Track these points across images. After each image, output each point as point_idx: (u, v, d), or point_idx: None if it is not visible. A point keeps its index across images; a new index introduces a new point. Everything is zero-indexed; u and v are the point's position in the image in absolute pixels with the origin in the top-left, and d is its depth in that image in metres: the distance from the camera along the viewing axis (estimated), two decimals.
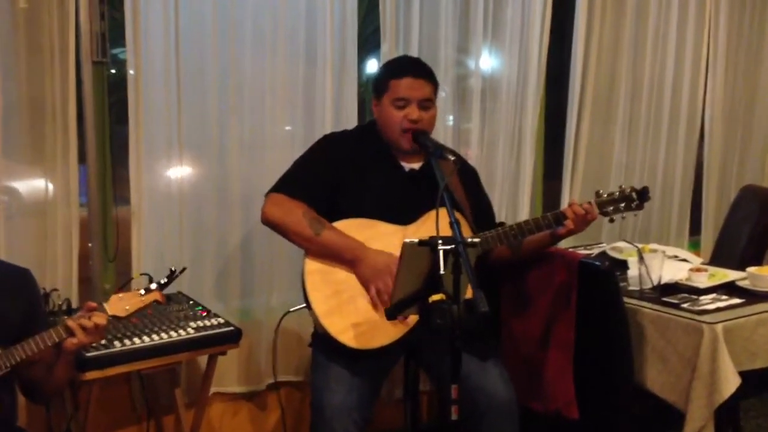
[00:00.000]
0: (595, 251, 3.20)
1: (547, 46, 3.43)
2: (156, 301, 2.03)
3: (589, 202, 2.39)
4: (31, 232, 2.60)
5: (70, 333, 1.89)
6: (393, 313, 2.00)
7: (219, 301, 2.86)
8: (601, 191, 2.42)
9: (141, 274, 2.64)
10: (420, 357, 2.48)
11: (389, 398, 3.14)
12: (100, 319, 1.90)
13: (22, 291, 2.06)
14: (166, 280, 2.05)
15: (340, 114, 3.03)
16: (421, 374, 2.68)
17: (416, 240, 1.89)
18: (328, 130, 2.85)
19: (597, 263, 2.56)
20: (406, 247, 1.91)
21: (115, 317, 1.96)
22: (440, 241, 1.81)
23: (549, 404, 2.60)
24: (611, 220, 2.42)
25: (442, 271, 1.80)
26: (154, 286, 2.03)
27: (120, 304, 1.97)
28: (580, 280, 2.50)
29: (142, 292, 2.01)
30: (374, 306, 2.29)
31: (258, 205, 2.77)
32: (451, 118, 3.33)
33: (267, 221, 2.39)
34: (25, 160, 2.57)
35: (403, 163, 2.47)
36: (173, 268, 2.07)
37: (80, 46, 2.61)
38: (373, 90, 2.49)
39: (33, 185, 2.59)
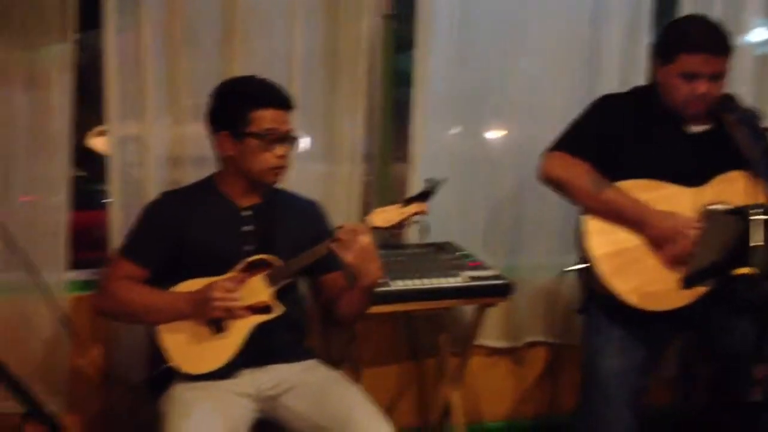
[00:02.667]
0: None
1: None
2: (418, 212, 2.01)
3: None
4: (320, 177, 2.79)
5: (335, 247, 1.98)
6: (690, 282, 1.90)
7: (487, 255, 2.87)
8: None
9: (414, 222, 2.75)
10: (703, 331, 2.35)
11: (659, 376, 3.02)
12: (356, 228, 1.97)
13: (312, 219, 2.27)
14: (424, 191, 2.02)
15: (627, 81, 2.90)
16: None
17: (722, 208, 1.78)
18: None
19: None
20: (710, 215, 1.82)
21: (378, 228, 2.00)
22: (756, 210, 1.69)
23: None
24: None
25: (755, 243, 1.67)
26: (414, 197, 2.02)
27: (382, 216, 2.00)
28: None
29: (403, 204, 2.01)
30: (662, 268, 2.20)
31: (530, 163, 2.77)
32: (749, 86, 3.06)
33: (547, 178, 2.37)
34: (318, 110, 2.74)
35: (688, 126, 2.33)
36: (431, 178, 2.03)
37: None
38: (659, 53, 2.33)
39: (324, 133, 2.77)
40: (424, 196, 2.02)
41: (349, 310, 2.14)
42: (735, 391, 1.95)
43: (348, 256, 1.97)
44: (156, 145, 2.54)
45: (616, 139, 2.33)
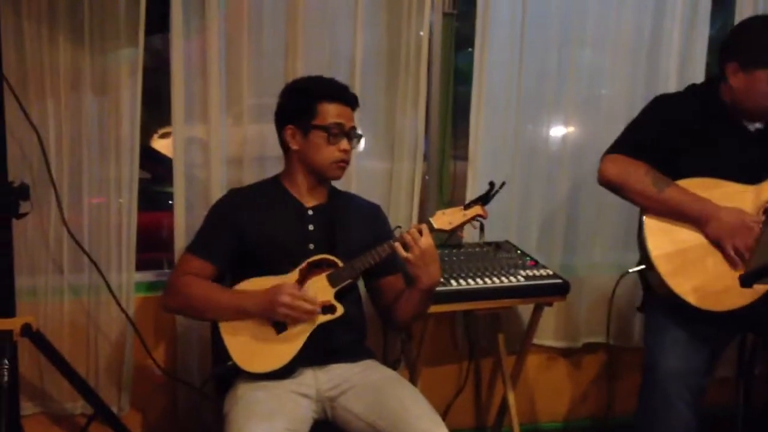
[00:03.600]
0: None
1: None
2: (478, 215, 2.05)
3: None
4: (381, 174, 2.82)
5: (397, 247, 2.01)
6: (750, 280, 1.87)
7: (543, 254, 2.88)
8: None
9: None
10: (764, 331, 2.31)
11: (718, 376, 2.97)
12: (420, 229, 2.00)
13: (373, 222, 2.30)
14: (486, 194, 2.06)
15: (685, 74, 2.89)
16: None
17: None
18: (672, 89, 2.74)
19: None
20: None
21: (440, 230, 2.04)
22: None
23: None
24: None
25: None
26: (474, 200, 2.06)
27: (444, 218, 2.05)
28: None
29: (464, 207, 2.06)
30: (724, 267, 2.18)
31: (588, 161, 2.79)
32: None
33: (606, 181, 2.36)
34: (380, 107, 2.77)
35: (746, 122, 2.30)
36: (493, 182, 2.06)
37: None
38: (738, 57, 2.25)
39: (384, 130, 2.80)
40: (484, 199, 2.06)
41: (408, 312, 2.16)
42: None
43: (410, 257, 2.00)
44: (219, 146, 2.60)
45: (674, 139, 2.31)
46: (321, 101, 2.12)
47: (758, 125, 2.31)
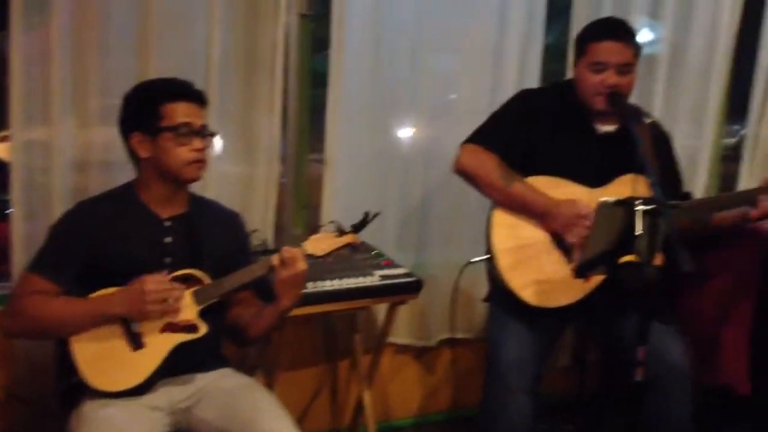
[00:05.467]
0: None
1: (740, 14, 3.28)
2: (350, 244, 2.07)
3: None
4: (237, 178, 2.79)
5: (271, 268, 2.00)
6: (582, 271, 2.03)
7: (398, 254, 2.94)
8: None
9: (330, 222, 2.78)
10: (594, 320, 2.48)
11: (554, 365, 3.16)
12: (297, 254, 1.99)
13: (234, 231, 2.24)
14: (360, 223, 2.09)
15: (522, 80, 3.04)
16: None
17: (612, 199, 1.90)
18: (508, 95, 2.89)
19: None
20: (601, 206, 1.93)
21: (311, 256, 2.03)
22: (638, 202, 1.82)
23: (719, 378, 2.56)
24: None
25: (638, 232, 1.81)
26: (349, 228, 2.08)
27: (317, 245, 2.04)
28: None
29: (337, 234, 2.07)
30: (558, 266, 2.31)
31: (439, 163, 2.90)
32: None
33: (460, 170, 2.45)
34: (236, 110, 2.74)
35: (597, 126, 2.45)
36: (367, 212, 2.10)
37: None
38: (574, 51, 2.48)
39: (240, 134, 2.77)
40: (357, 228, 2.08)
41: (260, 329, 2.12)
42: (623, 374, 2.06)
43: (284, 277, 1.98)
44: (62, 149, 2.48)
45: (530, 133, 2.43)
46: (165, 102, 2.00)
47: (607, 129, 2.45)
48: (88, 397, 1.94)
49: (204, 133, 2.05)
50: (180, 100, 2.02)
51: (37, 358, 2.46)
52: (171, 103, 2.00)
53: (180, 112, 2.01)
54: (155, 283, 1.91)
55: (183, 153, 2.01)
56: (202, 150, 2.03)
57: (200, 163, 2.04)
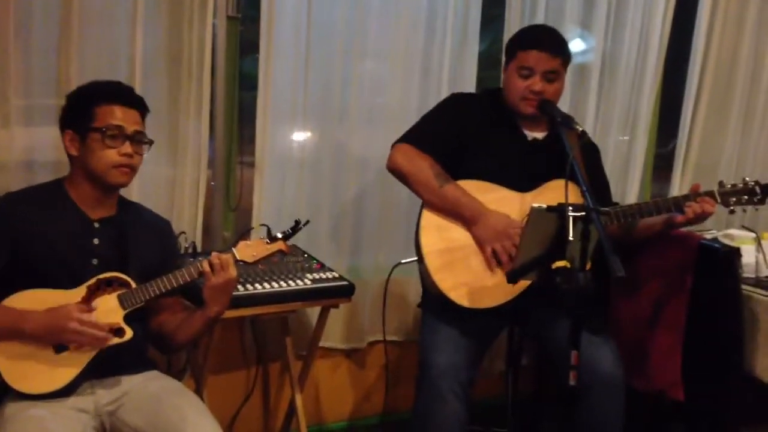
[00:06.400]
0: (707, 237, 3.15)
1: (670, 26, 3.37)
2: (280, 251, 2.09)
3: (712, 191, 2.36)
4: (164, 180, 2.74)
5: (200, 274, 1.99)
6: (515, 276, 2.04)
7: (330, 258, 2.93)
8: (724, 181, 2.39)
9: (261, 225, 2.76)
10: (527, 325, 2.51)
11: (489, 370, 3.20)
12: (228, 260, 1.99)
13: (163, 239, 2.21)
14: (290, 231, 2.10)
15: (456, 85, 3.06)
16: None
17: (544, 205, 1.92)
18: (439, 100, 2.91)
19: (717, 245, 2.54)
20: (533, 212, 1.95)
21: (243, 262, 2.05)
22: (570, 208, 1.84)
23: (654, 384, 2.61)
24: (732, 212, 2.38)
25: (570, 238, 1.82)
26: (279, 235, 2.08)
27: (247, 251, 2.05)
28: (697, 262, 2.48)
29: (268, 240, 2.08)
30: (487, 267, 2.34)
31: (370, 167, 2.93)
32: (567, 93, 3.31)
33: (393, 169, 2.46)
34: (161, 112, 2.68)
35: (526, 132, 2.49)
36: (298, 219, 2.12)
37: (217, 1, 2.71)
38: (504, 55, 2.51)
39: (167, 136, 2.71)
40: (287, 236, 2.08)
41: (187, 335, 2.10)
42: (557, 379, 2.07)
43: (214, 283, 1.98)
44: None
45: (459, 137, 2.45)
46: (99, 103, 1.98)
47: (536, 135, 2.49)
48: (9, 398, 1.91)
49: (138, 139, 2.03)
50: (116, 103, 2.00)
51: None
52: (105, 105, 1.99)
53: (113, 114, 1.99)
54: (78, 322, 1.87)
55: (109, 155, 1.99)
56: (130, 155, 2.01)
57: (126, 168, 2.02)
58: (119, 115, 1.99)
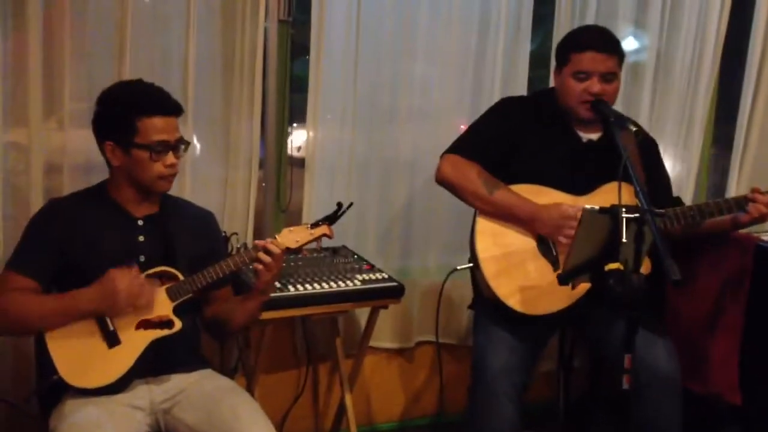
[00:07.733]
0: (764, 238, 3.07)
1: (726, 24, 3.29)
2: (324, 235, 2.07)
3: None
4: (215, 181, 2.78)
5: (245, 263, 2.02)
6: (566, 278, 2.01)
7: (379, 258, 2.94)
8: None
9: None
10: (581, 328, 2.48)
11: (539, 371, 3.16)
12: (272, 246, 2.00)
13: (206, 231, 2.23)
14: (333, 214, 2.08)
15: (508, 86, 3.04)
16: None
17: (596, 207, 1.89)
18: (492, 101, 2.88)
19: None
20: (585, 213, 1.92)
21: (286, 248, 2.04)
22: (623, 210, 1.81)
23: (710, 387, 2.55)
24: None
25: (623, 240, 1.79)
26: (322, 220, 2.08)
27: (290, 237, 2.04)
28: (755, 264, 2.42)
29: (310, 226, 2.07)
30: (543, 272, 2.31)
31: (420, 168, 2.92)
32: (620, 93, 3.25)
33: (442, 180, 2.45)
34: (214, 113, 2.73)
35: (581, 134, 2.46)
36: (340, 202, 2.08)
37: (269, 5, 2.73)
38: (555, 59, 2.48)
39: (219, 137, 2.76)
40: (331, 219, 2.07)
41: (241, 321, 2.13)
42: (610, 382, 2.04)
43: (270, 267, 1.99)
44: (39, 152, 2.45)
45: (511, 142, 2.43)
46: (141, 117, 1.96)
47: (591, 137, 2.45)
48: (68, 395, 1.95)
49: (178, 146, 2.04)
50: (156, 114, 1.99)
51: (20, 358, 2.46)
52: (147, 118, 1.98)
53: (156, 128, 1.98)
54: (126, 279, 1.92)
55: (156, 168, 2.01)
56: (174, 165, 2.04)
57: (171, 176, 2.06)
58: (161, 126, 1.99)
